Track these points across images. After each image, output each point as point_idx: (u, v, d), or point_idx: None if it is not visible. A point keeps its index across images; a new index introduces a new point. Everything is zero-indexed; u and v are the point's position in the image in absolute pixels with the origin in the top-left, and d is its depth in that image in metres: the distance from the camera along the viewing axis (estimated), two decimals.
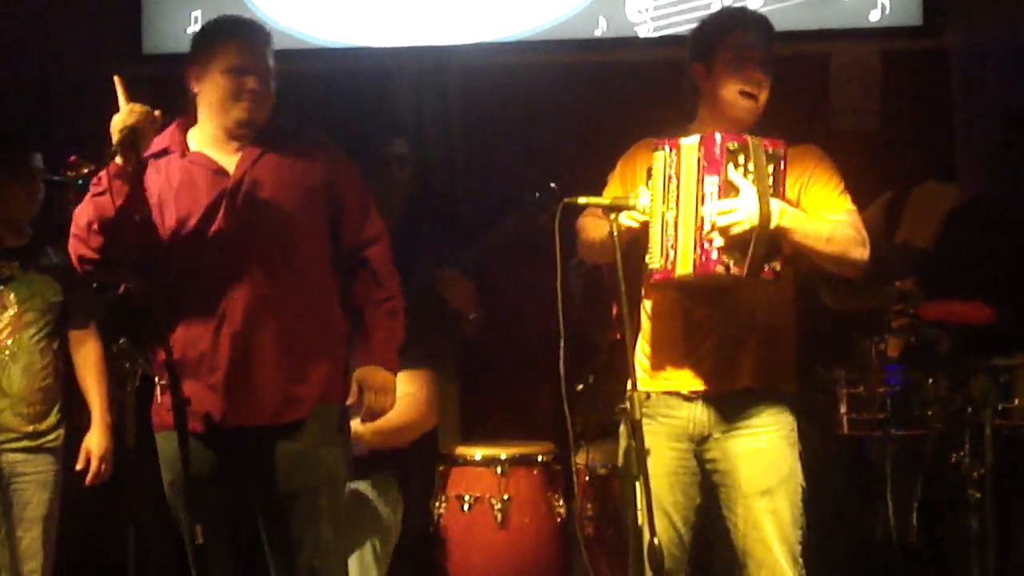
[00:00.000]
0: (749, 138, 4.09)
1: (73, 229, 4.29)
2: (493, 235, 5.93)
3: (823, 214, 4.24)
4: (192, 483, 4.07)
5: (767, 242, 4.04)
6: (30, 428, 5.40)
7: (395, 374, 4.50)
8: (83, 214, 4.25)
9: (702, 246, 4.02)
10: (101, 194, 4.16)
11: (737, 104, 4.32)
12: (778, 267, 4.09)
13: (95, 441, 5.44)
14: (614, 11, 6.70)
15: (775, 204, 4.05)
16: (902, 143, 6.56)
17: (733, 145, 4.05)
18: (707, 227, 4.02)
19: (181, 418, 4.06)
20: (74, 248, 4.31)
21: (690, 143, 4.11)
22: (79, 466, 5.42)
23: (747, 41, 4.34)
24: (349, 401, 4.49)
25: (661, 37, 6.57)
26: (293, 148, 4.44)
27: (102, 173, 4.18)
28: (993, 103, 6.35)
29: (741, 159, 4.05)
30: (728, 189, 4.03)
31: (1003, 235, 5.53)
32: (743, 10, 4.52)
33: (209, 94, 4.39)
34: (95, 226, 4.20)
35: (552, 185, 5.63)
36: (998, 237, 5.53)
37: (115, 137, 4.07)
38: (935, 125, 6.58)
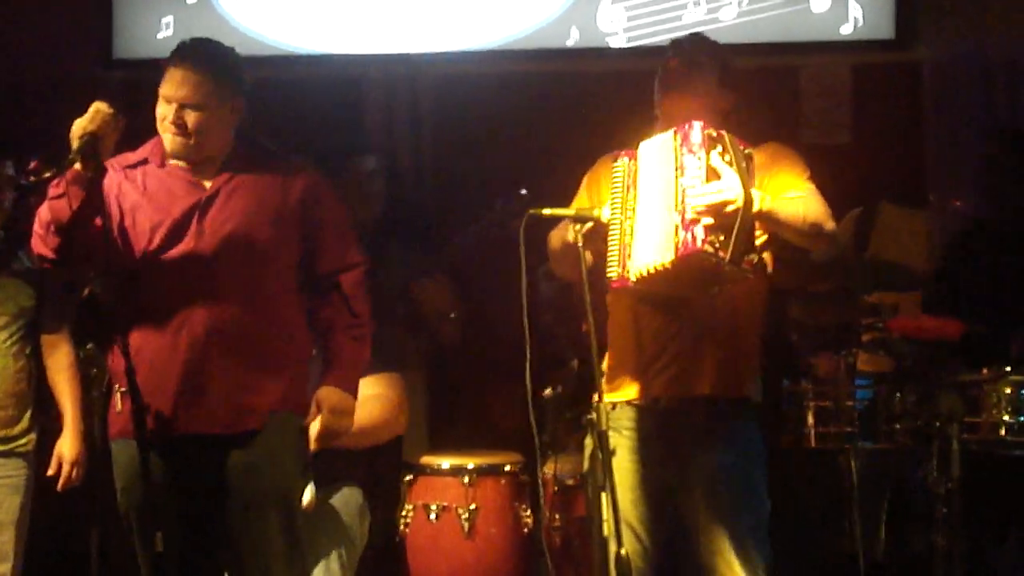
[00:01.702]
0: (723, 132, 4.09)
1: (35, 227, 4.30)
2: (462, 240, 5.92)
3: (788, 188, 4.26)
4: (150, 491, 4.07)
5: (749, 228, 4.02)
6: (2, 432, 5.38)
7: (355, 398, 4.51)
8: (43, 214, 4.25)
9: (686, 227, 3.96)
10: (58, 197, 4.16)
11: (661, 92, 4.39)
12: (755, 259, 4.07)
13: (67, 446, 5.41)
14: (586, 21, 6.70)
15: (754, 192, 4.06)
16: (873, 156, 6.57)
17: (712, 133, 4.04)
18: (691, 207, 3.98)
19: (141, 425, 4.07)
20: (35, 246, 4.33)
21: (661, 137, 4.11)
22: (51, 471, 5.39)
23: (669, 61, 4.42)
24: (308, 420, 4.49)
25: (633, 48, 6.57)
26: (271, 168, 4.46)
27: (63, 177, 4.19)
28: (964, 117, 6.36)
29: (719, 148, 4.03)
30: (711, 174, 4.01)
31: (1003, 254, 5.53)
32: (674, 40, 4.58)
33: None
34: (52, 228, 4.21)
35: (522, 191, 5.63)
36: (999, 257, 5.53)
37: (75, 143, 4.08)
38: (906, 138, 6.60)
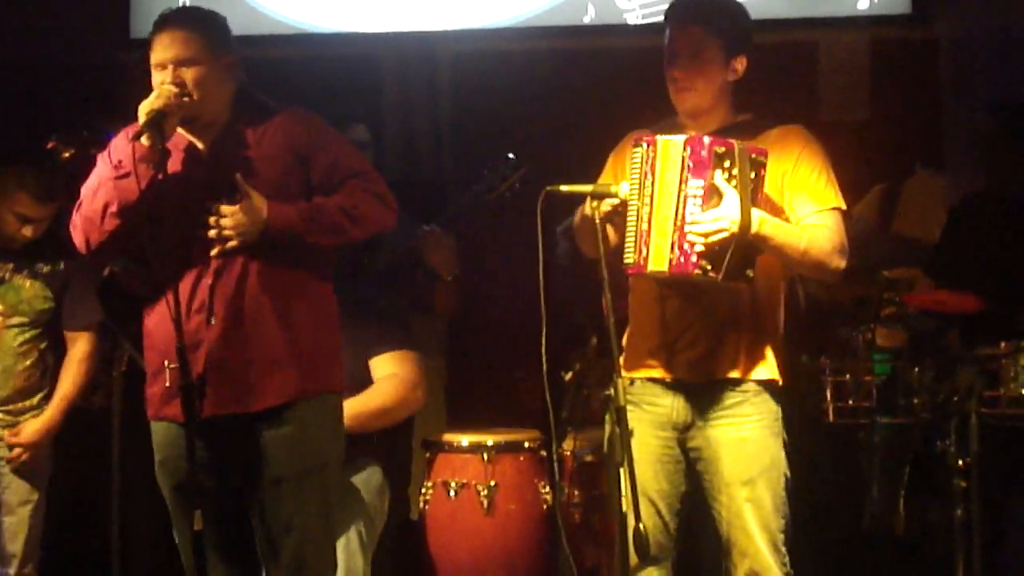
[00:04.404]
0: (736, 143, 4.09)
1: (85, 211, 4.21)
2: (456, 209, 5.90)
3: (806, 205, 4.25)
4: (193, 468, 4.00)
5: (744, 249, 4.06)
6: (13, 420, 5.42)
7: (266, 216, 4.17)
8: (99, 197, 4.17)
9: (681, 247, 4.04)
10: (124, 177, 4.10)
11: (672, 93, 4.35)
12: (751, 273, 4.11)
13: (29, 429, 5.43)
14: None
15: (755, 213, 4.07)
16: (891, 132, 6.56)
17: (720, 149, 4.05)
18: (688, 230, 4.03)
19: (189, 402, 3.98)
20: (83, 230, 4.22)
21: (674, 141, 4.11)
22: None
23: (672, 34, 4.34)
24: None
25: (650, 24, 6.54)
26: (266, 123, 4.31)
27: (122, 156, 4.13)
28: (981, 93, 6.35)
29: (727, 164, 4.04)
30: (712, 194, 4.03)
31: (1005, 227, 5.50)
32: (671, 6, 4.47)
33: None
34: (113, 209, 4.13)
35: (510, 156, 5.65)
36: (1000, 230, 5.50)
37: (142, 119, 4.01)
38: (924, 114, 6.59)
